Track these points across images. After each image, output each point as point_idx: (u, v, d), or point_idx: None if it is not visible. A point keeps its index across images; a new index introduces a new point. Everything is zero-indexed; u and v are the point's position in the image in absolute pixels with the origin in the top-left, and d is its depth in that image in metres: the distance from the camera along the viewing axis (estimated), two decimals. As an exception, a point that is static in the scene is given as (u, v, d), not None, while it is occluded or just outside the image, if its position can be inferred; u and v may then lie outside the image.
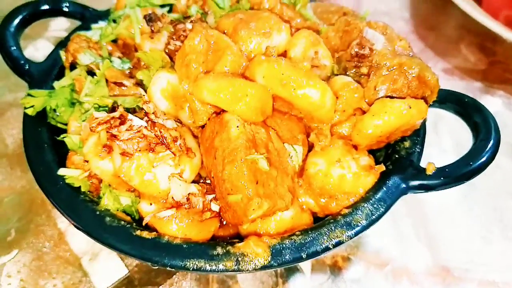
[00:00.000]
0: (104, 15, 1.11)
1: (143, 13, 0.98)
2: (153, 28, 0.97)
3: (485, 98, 1.42)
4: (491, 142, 0.81)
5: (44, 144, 0.84)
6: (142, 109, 0.80)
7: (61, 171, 0.80)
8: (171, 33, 0.94)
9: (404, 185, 0.80)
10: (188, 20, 0.94)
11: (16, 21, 1.01)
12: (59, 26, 1.61)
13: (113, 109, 0.79)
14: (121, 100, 0.83)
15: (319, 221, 0.79)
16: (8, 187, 1.15)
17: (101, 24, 1.04)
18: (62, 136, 0.83)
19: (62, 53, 0.96)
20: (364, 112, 0.83)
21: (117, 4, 1.10)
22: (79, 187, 0.79)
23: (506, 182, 1.18)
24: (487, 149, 0.80)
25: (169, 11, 1.11)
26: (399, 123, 0.79)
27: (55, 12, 1.09)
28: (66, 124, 0.89)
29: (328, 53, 0.91)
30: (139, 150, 0.73)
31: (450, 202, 1.13)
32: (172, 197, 0.73)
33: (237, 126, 0.71)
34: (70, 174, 0.79)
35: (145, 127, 0.74)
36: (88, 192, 0.80)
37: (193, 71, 0.81)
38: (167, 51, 0.93)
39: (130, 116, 0.74)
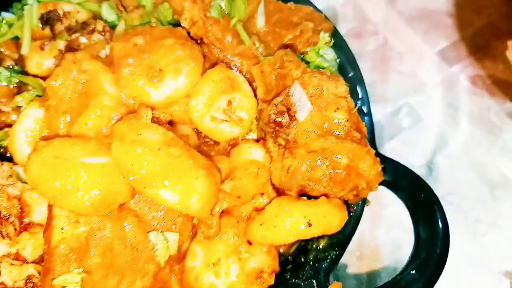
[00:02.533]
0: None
1: (41, 9, 0.78)
2: (54, 33, 0.77)
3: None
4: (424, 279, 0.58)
5: None
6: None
7: None
8: (66, 44, 0.74)
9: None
10: (84, 31, 0.73)
11: None
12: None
13: None
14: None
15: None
16: None
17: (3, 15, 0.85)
18: None
19: None
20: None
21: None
22: None
23: None
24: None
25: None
26: (293, 239, 0.58)
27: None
28: None
29: (251, 102, 0.68)
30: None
31: None
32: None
33: (62, 228, 0.55)
34: None
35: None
36: None
37: (57, 121, 0.63)
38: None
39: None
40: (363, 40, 1.24)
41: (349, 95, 0.63)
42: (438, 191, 0.94)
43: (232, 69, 0.71)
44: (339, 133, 0.60)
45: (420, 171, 0.99)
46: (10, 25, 0.83)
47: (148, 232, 0.62)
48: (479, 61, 1.20)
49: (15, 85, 0.78)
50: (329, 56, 0.71)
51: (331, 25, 0.79)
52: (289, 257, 0.67)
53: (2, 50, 0.81)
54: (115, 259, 0.58)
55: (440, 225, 0.60)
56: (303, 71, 0.63)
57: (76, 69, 0.63)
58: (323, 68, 0.70)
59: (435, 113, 1.12)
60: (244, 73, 0.72)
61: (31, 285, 0.64)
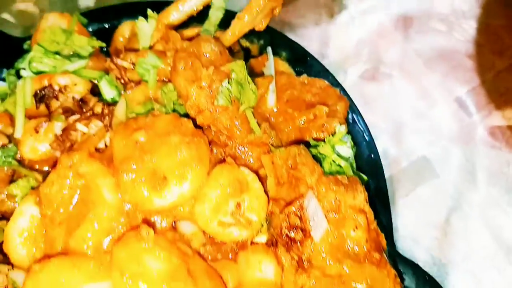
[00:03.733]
0: (16, 47, 0.85)
1: (36, 84, 0.72)
2: (50, 110, 0.72)
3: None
4: None
5: None
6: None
7: None
8: (63, 127, 0.69)
9: None
10: (81, 116, 0.68)
11: None
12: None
13: None
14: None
15: None
16: None
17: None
18: None
19: None
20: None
21: (33, 43, 0.82)
22: None
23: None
24: None
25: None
26: None
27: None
28: None
29: (261, 203, 0.63)
30: None
31: None
32: None
33: None
34: None
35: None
36: None
37: (53, 232, 0.59)
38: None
39: None
40: (378, 83, 1.18)
41: (367, 204, 0.58)
42: (454, 256, 0.89)
43: (239, 160, 0.66)
44: (357, 253, 0.55)
45: (435, 233, 0.96)
46: (2, 97, 0.77)
47: None
48: (499, 109, 1.14)
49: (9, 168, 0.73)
50: (345, 152, 0.65)
51: (347, 102, 0.73)
52: None
53: (-5, 126, 0.75)
54: None
55: None
56: (319, 178, 0.58)
57: (73, 174, 0.58)
58: (339, 165, 0.64)
59: (452, 169, 1.07)
60: (253, 162, 0.67)
61: None
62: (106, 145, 0.67)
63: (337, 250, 0.55)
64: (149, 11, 0.75)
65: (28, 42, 0.84)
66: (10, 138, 0.75)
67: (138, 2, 0.89)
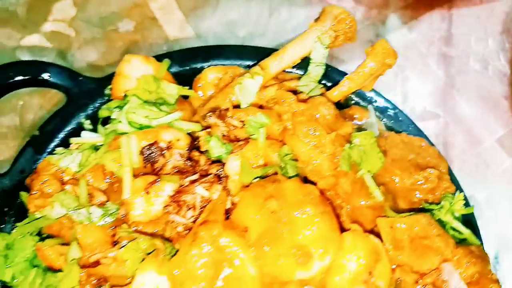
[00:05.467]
0: (97, 92, 0.81)
1: (140, 141, 0.69)
2: (154, 167, 0.69)
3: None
4: None
5: None
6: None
7: None
8: (175, 188, 0.67)
9: None
10: (199, 179, 0.66)
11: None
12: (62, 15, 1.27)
13: None
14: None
15: None
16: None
17: (84, 136, 0.75)
18: None
19: (23, 195, 0.71)
20: None
21: (114, 86, 0.79)
22: None
23: None
24: None
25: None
26: None
27: (31, 83, 0.80)
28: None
29: (387, 270, 0.64)
30: None
31: None
32: None
33: None
34: None
35: None
36: None
37: None
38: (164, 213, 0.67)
39: None
40: (427, 122, 1.21)
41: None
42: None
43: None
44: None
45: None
46: (96, 148, 0.74)
47: None
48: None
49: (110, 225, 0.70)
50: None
51: (447, 162, 0.75)
52: None
53: (89, 180, 0.72)
54: None
55: None
56: (455, 250, 0.60)
57: (214, 248, 0.57)
58: (460, 232, 0.67)
59: (497, 208, 1.13)
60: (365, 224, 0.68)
61: None
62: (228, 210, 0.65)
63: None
64: (257, 68, 0.74)
65: (109, 87, 0.80)
66: (105, 193, 0.72)
67: (223, 45, 0.88)
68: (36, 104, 0.98)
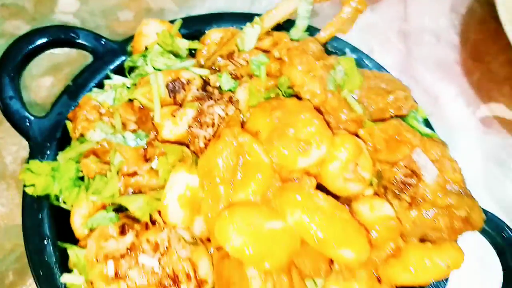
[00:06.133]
0: (119, 51, 0.97)
1: (166, 78, 0.85)
2: (176, 99, 0.85)
3: (519, 162, 1.32)
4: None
5: (45, 237, 0.77)
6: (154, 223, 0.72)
7: (64, 279, 0.74)
8: (196, 111, 0.82)
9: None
10: (216, 101, 0.82)
11: (15, 61, 0.87)
12: (67, 8, 1.43)
13: (122, 230, 0.71)
14: (133, 203, 0.75)
15: None
16: (5, 216, 1.10)
17: (115, 79, 0.90)
18: (65, 245, 0.76)
19: (69, 124, 0.85)
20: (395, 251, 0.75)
21: (135, 44, 0.95)
22: (81, 295, 0.74)
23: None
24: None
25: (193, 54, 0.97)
26: (433, 280, 0.72)
27: (62, 43, 0.94)
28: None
29: (370, 164, 0.81)
30: (149, 287, 0.67)
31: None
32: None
33: (259, 286, 0.65)
34: (73, 282, 0.74)
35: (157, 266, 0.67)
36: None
37: (217, 189, 0.72)
38: (189, 132, 0.82)
39: (141, 257, 0.67)
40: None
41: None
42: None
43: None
44: (457, 191, 0.75)
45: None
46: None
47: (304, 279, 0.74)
48: (486, 104, 1.43)
49: (143, 148, 0.84)
50: (421, 121, 0.87)
51: (410, 90, 0.94)
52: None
53: (122, 113, 0.86)
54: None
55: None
56: (422, 140, 0.78)
57: (236, 145, 0.73)
58: (426, 134, 0.85)
59: (452, 150, 1.33)
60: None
61: None
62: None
63: (443, 189, 0.75)
64: (256, 18, 0.91)
65: (131, 44, 0.96)
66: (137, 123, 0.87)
67: (222, 13, 1.05)
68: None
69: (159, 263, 0.68)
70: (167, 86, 0.84)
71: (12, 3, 1.43)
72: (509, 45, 1.25)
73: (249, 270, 0.67)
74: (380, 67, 1.01)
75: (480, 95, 1.44)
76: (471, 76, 1.48)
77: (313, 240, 0.67)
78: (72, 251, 0.75)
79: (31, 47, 0.88)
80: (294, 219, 0.67)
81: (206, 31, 1.01)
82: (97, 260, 0.67)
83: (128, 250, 0.68)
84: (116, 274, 0.68)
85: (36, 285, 0.75)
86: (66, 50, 1.32)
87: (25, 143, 1.09)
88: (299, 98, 0.84)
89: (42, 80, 1.28)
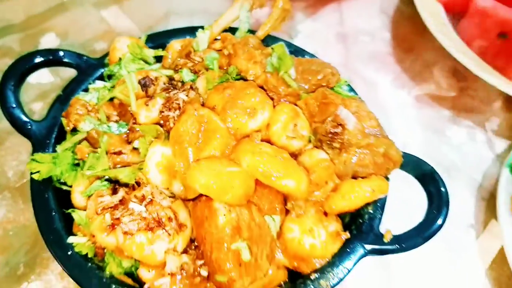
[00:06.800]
0: (98, 65, 1.18)
1: (138, 77, 1.06)
2: (147, 93, 1.05)
3: (451, 128, 1.55)
4: (441, 216, 0.95)
5: (51, 211, 0.95)
6: (139, 184, 0.91)
7: (70, 240, 0.91)
8: (164, 99, 1.03)
9: (364, 251, 0.94)
10: (180, 90, 1.03)
11: (15, 77, 1.07)
12: (49, 44, 1.65)
13: (114, 190, 0.90)
14: (121, 173, 0.94)
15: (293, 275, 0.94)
16: (13, 220, 1.26)
17: (97, 84, 1.11)
18: (70, 210, 0.94)
19: (63, 120, 1.05)
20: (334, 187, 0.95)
21: (110, 57, 1.16)
22: (87, 253, 0.91)
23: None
24: (436, 222, 0.95)
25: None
26: (363, 203, 0.92)
27: (52, 62, 1.15)
28: (70, 186, 0.99)
29: (307, 124, 1.02)
30: (139, 230, 0.85)
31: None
32: (169, 271, 0.86)
33: (224, 215, 0.83)
34: (78, 241, 0.91)
35: (145, 211, 0.85)
36: (94, 257, 0.92)
37: (186, 151, 0.92)
38: (160, 116, 1.02)
39: (131, 204, 0.85)
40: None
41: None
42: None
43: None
44: (375, 133, 0.97)
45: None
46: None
47: (263, 215, 0.93)
48: (418, 85, 1.67)
49: (125, 134, 1.04)
50: (347, 89, 1.10)
51: (336, 69, 1.17)
52: (351, 225, 1.00)
53: (105, 110, 1.07)
54: (252, 233, 0.87)
55: (440, 182, 0.99)
56: (342, 99, 1.00)
57: (197, 115, 0.93)
58: (348, 95, 1.07)
59: (396, 126, 1.55)
60: (292, 107, 1.07)
61: (183, 271, 0.89)
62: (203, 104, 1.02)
63: (362, 132, 0.96)
64: (206, 26, 1.15)
65: (107, 57, 1.18)
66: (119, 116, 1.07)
67: (180, 28, 1.29)
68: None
69: (146, 209, 0.86)
70: (139, 82, 1.05)
71: (2, 46, 1.65)
72: (432, 35, 1.51)
73: (216, 203, 0.85)
74: (312, 56, 1.24)
75: (412, 78, 1.69)
76: (403, 64, 1.73)
77: (262, 176, 0.86)
78: (76, 214, 0.92)
79: (28, 65, 1.09)
80: (247, 162, 0.87)
81: (168, 43, 1.23)
82: (97, 213, 0.85)
83: (120, 201, 0.86)
84: (112, 224, 0.86)
85: (48, 248, 0.92)
86: (51, 79, 1.55)
87: (23, 158, 1.29)
88: (245, 80, 1.05)
89: (33, 105, 1.48)
